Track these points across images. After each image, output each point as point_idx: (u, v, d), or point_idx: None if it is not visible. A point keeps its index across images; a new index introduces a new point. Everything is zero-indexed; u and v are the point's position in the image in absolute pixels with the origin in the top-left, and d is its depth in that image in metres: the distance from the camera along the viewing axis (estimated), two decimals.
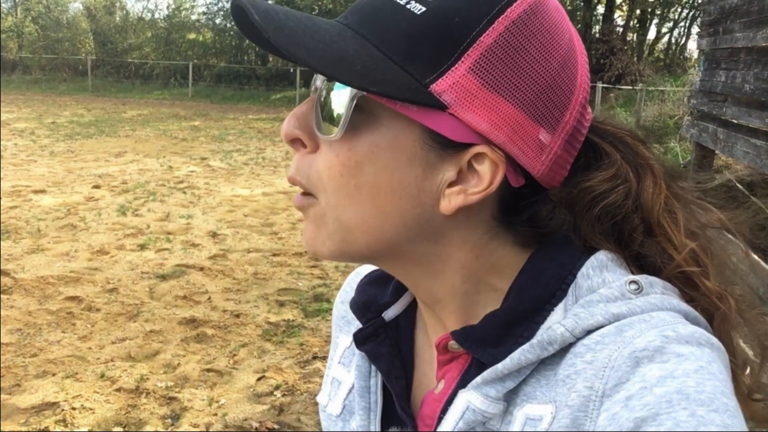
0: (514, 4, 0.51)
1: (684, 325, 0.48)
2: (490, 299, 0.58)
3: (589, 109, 0.57)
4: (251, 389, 3.49)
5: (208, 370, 3.67)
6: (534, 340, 0.52)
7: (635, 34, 24.10)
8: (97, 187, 8.40)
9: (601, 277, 0.53)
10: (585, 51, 0.57)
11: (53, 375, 3.55)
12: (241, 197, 8.15)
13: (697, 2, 20.54)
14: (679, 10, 24.60)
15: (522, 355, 0.52)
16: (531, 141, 0.52)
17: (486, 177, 0.52)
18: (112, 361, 3.74)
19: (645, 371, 0.44)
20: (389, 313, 0.66)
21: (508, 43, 0.50)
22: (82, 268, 5.23)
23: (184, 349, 3.94)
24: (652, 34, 25.19)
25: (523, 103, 0.51)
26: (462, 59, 0.50)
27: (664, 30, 25.77)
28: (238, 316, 4.44)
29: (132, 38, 29.90)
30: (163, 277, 5.12)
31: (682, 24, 25.09)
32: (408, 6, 0.51)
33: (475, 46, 0.50)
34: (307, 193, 0.56)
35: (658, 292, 0.52)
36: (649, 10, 23.62)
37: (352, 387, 0.67)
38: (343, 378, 0.69)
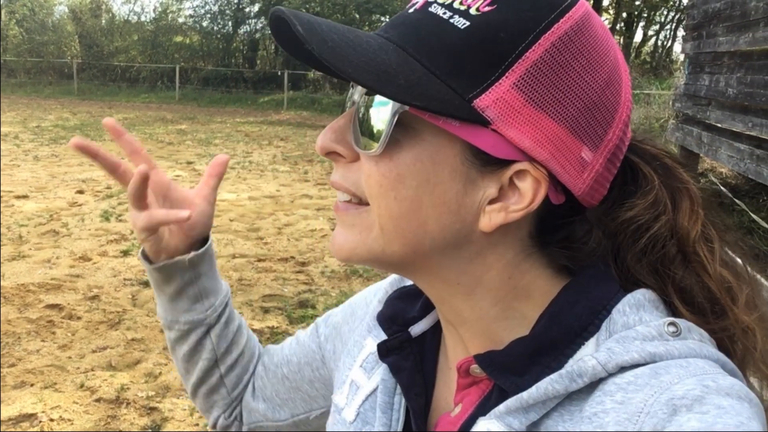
0: (561, 20, 0.50)
1: (723, 376, 0.46)
2: (517, 326, 0.57)
3: (630, 128, 0.57)
4: None
5: None
6: (563, 371, 0.50)
7: (622, 37, 24.26)
8: (80, 192, 8.31)
9: (638, 316, 0.52)
10: (627, 68, 0.56)
11: (31, 385, 3.49)
12: (226, 202, 8.09)
13: (683, 5, 20.72)
14: (665, 12, 24.81)
15: (550, 384, 0.50)
16: (573, 159, 0.51)
17: (528, 194, 0.51)
18: (92, 370, 3.69)
19: (683, 421, 0.42)
20: (416, 329, 0.65)
21: (554, 60, 0.50)
22: (63, 275, 5.16)
23: (166, 357, 3.88)
24: (638, 37, 25.38)
25: (566, 120, 0.50)
26: (506, 75, 0.49)
27: (650, 33, 25.98)
28: None
29: (118, 41, 29.69)
30: (146, 284, 5.05)
31: (668, 27, 25.30)
32: (451, 20, 0.51)
33: (520, 61, 0.49)
34: (350, 201, 0.56)
35: (696, 338, 0.51)
36: (636, 12, 23.80)
37: (369, 395, 0.66)
38: (362, 383, 0.68)
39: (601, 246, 0.57)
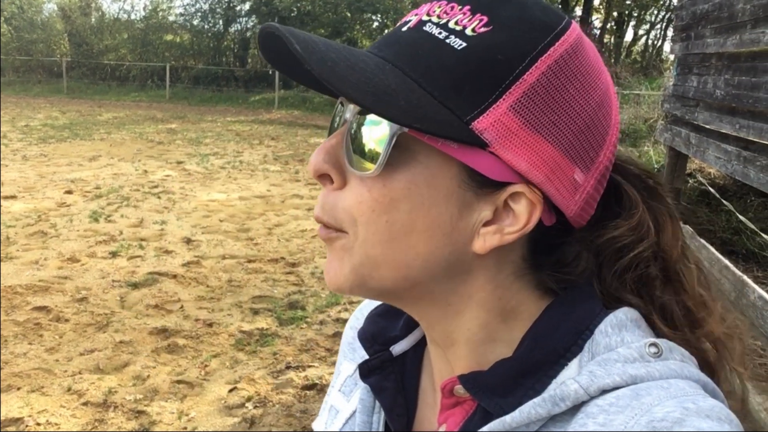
0: (557, 43, 0.50)
1: (704, 397, 0.47)
2: (504, 347, 0.57)
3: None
4: (222, 401, 3.43)
5: (179, 382, 3.61)
6: (546, 395, 0.50)
7: (612, 37, 24.35)
8: (69, 192, 8.26)
9: (620, 336, 0.52)
10: (615, 90, 0.57)
11: (18, 389, 3.46)
12: (217, 202, 8.06)
13: (673, 5, 20.82)
14: (655, 12, 24.91)
15: (532, 408, 0.50)
16: (566, 181, 0.52)
17: (522, 216, 0.52)
18: (79, 373, 3.67)
19: None
20: (397, 348, 0.65)
21: (550, 82, 0.50)
22: (51, 277, 5.13)
23: (154, 360, 3.87)
24: (629, 37, 25.48)
25: (561, 143, 0.51)
26: (504, 97, 0.49)
27: (640, 32, 26.09)
28: (210, 325, 4.38)
29: (108, 39, 29.50)
30: (135, 286, 5.03)
31: (659, 26, 25.41)
32: (447, 41, 0.50)
33: (517, 84, 0.49)
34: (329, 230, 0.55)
35: (678, 358, 0.51)
36: (626, 12, 23.89)
37: (349, 417, 0.66)
38: (342, 407, 0.68)
39: (590, 269, 0.57)
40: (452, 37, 0.50)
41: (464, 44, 0.50)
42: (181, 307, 4.67)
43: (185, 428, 3.17)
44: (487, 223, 0.52)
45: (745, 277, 3.86)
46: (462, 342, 0.57)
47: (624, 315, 0.54)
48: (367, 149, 0.52)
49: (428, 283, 0.54)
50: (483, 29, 0.50)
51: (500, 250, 0.53)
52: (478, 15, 0.51)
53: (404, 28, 0.53)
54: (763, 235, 5.25)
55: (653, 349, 0.51)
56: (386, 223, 0.52)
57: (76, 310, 4.53)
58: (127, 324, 4.34)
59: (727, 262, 4.20)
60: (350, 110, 0.54)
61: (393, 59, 0.51)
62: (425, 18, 0.52)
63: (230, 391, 3.54)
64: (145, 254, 5.82)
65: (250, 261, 5.76)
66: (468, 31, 0.50)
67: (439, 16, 0.52)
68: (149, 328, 4.27)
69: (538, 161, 0.50)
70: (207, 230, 6.72)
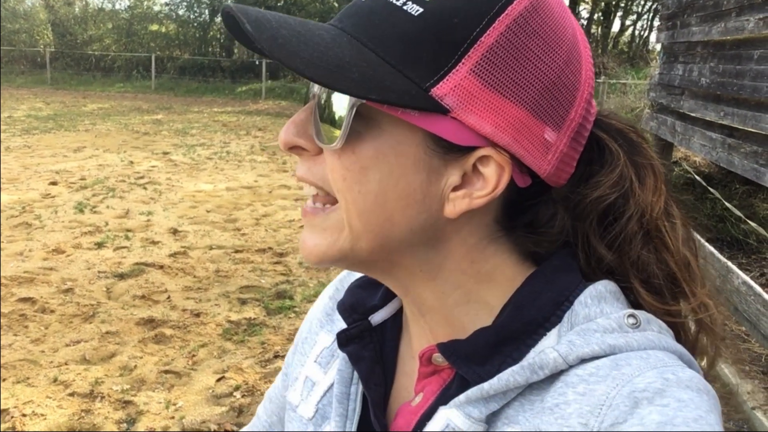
0: (515, 2, 0.49)
1: (683, 368, 0.47)
2: (481, 314, 0.56)
3: (594, 103, 0.56)
4: (210, 390, 3.43)
5: (166, 372, 3.60)
6: (525, 362, 0.50)
7: (599, 27, 24.41)
8: (54, 183, 8.17)
9: (599, 307, 0.52)
10: (588, 44, 0.56)
11: (3, 380, 3.43)
12: (203, 192, 8.02)
13: None
14: (642, 2, 24.98)
15: (511, 376, 0.50)
16: (537, 141, 0.51)
17: (491, 180, 0.51)
18: (65, 364, 3.64)
19: (644, 413, 0.43)
20: (376, 317, 0.64)
21: (510, 43, 0.49)
22: (36, 268, 5.08)
23: (141, 350, 3.85)
24: (616, 27, 25.55)
25: (527, 103, 0.50)
26: (463, 61, 0.48)
27: (628, 22, 26.16)
28: (198, 315, 4.36)
29: (92, 30, 29.13)
30: (121, 276, 5.00)
31: (645, 17, 25.49)
32: (405, 7, 0.49)
33: (476, 46, 0.48)
34: (319, 199, 0.55)
35: (656, 329, 0.51)
36: (613, 2, 23.94)
37: (328, 390, 0.65)
38: (318, 379, 0.67)
39: (566, 230, 0.57)
40: (410, 3, 0.50)
41: (421, 10, 0.49)
42: (168, 297, 4.64)
43: (173, 418, 3.16)
44: (456, 188, 0.52)
45: (729, 263, 3.90)
46: (438, 307, 0.57)
47: (604, 287, 0.54)
48: (336, 117, 0.52)
49: (405, 251, 0.54)
50: None
51: (472, 213, 0.53)
52: None
53: None
54: (748, 221, 5.30)
55: (632, 320, 0.51)
56: (359, 194, 0.52)
57: (61, 301, 4.50)
58: (113, 315, 4.31)
59: (711, 248, 4.23)
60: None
61: (351, 30, 0.51)
62: None
63: (218, 380, 3.53)
64: (131, 245, 5.78)
65: (237, 251, 5.74)
66: None
67: None
68: (136, 319, 4.25)
69: (503, 123, 0.50)
70: (194, 221, 6.68)
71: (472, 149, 0.51)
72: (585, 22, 22.91)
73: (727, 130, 4.62)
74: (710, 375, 0.56)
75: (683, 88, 5.68)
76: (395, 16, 0.50)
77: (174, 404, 3.28)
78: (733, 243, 5.82)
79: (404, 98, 0.48)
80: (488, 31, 0.48)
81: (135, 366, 3.65)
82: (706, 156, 5.10)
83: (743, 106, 4.29)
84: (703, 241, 4.44)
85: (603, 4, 23.40)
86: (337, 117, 0.51)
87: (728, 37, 4.61)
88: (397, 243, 0.53)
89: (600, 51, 21.73)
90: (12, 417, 3.10)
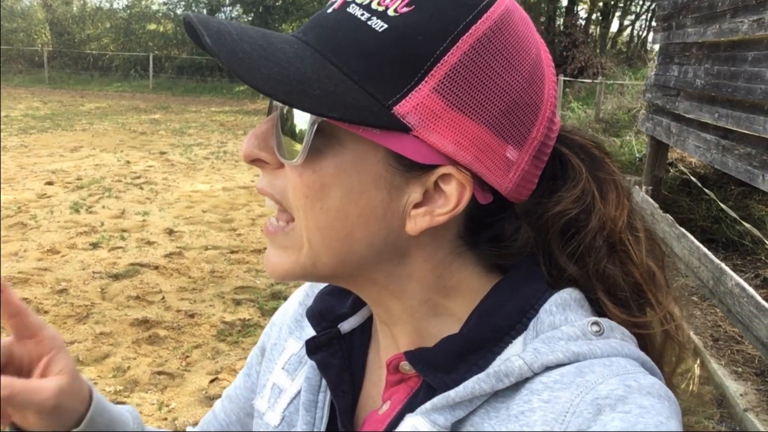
0: (479, 21, 0.49)
1: (644, 375, 0.48)
2: (448, 323, 0.57)
3: (557, 119, 0.56)
4: (203, 392, 3.43)
5: (160, 373, 3.60)
6: (490, 370, 0.51)
7: (598, 27, 24.41)
8: (50, 183, 8.16)
9: (564, 315, 0.53)
10: (552, 62, 0.56)
11: None
12: (200, 192, 8.01)
13: None
14: (640, 2, 25.00)
15: (476, 384, 0.51)
16: (498, 159, 0.51)
17: (453, 197, 0.51)
18: None
19: (607, 420, 0.44)
20: (345, 326, 0.64)
21: (473, 62, 0.49)
22: (31, 269, 5.08)
23: (135, 351, 3.85)
24: (614, 27, 25.55)
25: (489, 122, 0.50)
26: (426, 79, 0.48)
27: (626, 23, 26.17)
28: (192, 316, 4.36)
29: (90, 29, 29.10)
30: (116, 277, 5.00)
31: (644, 17, 25.50)
32: (369, 23, 0.49)
33: (439, 65, 0.48)
34: (281, 215, 0.55)
35: (618, 337, 0.52)
36: (612, 2, 23.94)
37: (294, 397, 0.65)
38: (286, 386, 0.67)
39: (530, 243, 0.57)
40: (374, 18, 0.49)
41: (385, 26, 0.49)
42: (163, 298, 4.64)
43: (165, 419, 3.16)
44: (417, 205, 0.52)
45: (723, 265, 3.91)
46: (405, 319, 0.58)
47: (568, 295, 0.54)
48: (297, 130, 0.51)
49: (368, 266, 0.55)
50: (405, 9, 0.49)
51: (435, 230, 0.53)
52: None
53: (329, 10, 0.52)
54: (743, 223, 5.31)
55: (595, 328, 0.52)
56: (320, 210, 0.52)
57: (56, 301, 4.49)
58: (107, 315, 4.30)
59: (705, 250, 4.24)
60: None
61: (315, 43, 0.51)
62: None
63: (211, 381, 3.53)
64: (126, 245, 5.77)
65: (233, 252, 5.74)
66: (390, 12, 0.49)
67: None
68: (130, 320, 4.25)
69: (465, 142, 0.50)
70: (190, 221, 6.67)
71: (433, 167, 0.51)
72: (583, 22, 22.90)
73: (722, 131, 4.62)
74: (672, 382, 0.57)
75: (678, 89, 5.69)
76: (359, 31, 0.49)
77: (167, 405, 3.28)
78: (729, 244, 5.83)
79: (366, 116, 0.48)
80: (452, 50, 0.48)
81: (128, 367, 3.65)
82: (701, 158, 5.11)
83: (737, 107, 4.29)
84: (697, 242, 4.43)
85: (601, 4, 23.39)
86: (298, 131, 0.51)
87: (723, 39, 4.61)
88: (359, 259, 0.54)
89: (598, 51, 21.73)
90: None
